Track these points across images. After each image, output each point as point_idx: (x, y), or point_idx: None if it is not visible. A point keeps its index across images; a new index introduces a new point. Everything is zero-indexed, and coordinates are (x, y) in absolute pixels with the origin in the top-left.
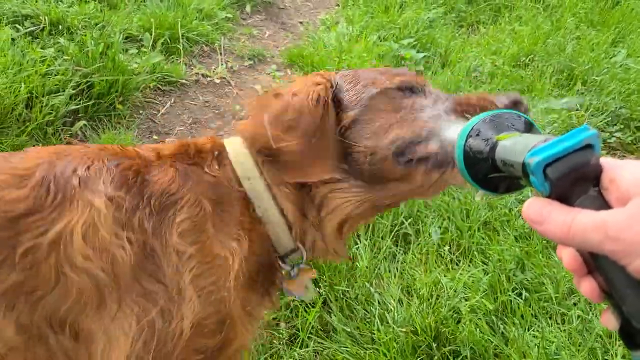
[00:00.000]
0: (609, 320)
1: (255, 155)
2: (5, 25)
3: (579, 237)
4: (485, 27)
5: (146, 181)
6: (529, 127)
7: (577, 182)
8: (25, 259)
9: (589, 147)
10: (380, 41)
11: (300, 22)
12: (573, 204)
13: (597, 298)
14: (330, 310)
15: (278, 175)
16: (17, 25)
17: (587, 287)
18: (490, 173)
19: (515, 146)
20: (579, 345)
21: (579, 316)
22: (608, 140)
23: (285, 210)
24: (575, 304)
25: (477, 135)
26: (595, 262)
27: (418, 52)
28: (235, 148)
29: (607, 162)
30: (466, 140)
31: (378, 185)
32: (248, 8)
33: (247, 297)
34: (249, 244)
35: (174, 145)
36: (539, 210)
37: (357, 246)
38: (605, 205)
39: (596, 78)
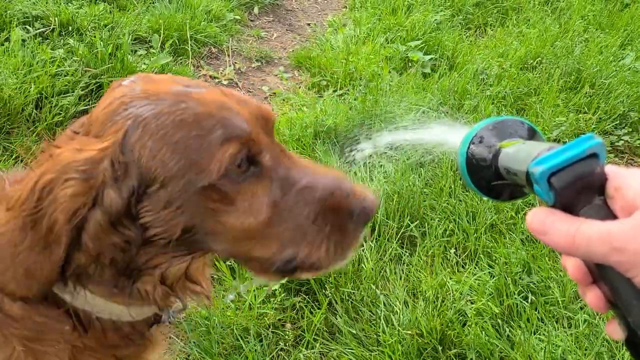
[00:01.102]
0: (614, 331)
1: None
2: (16, 26)
3: (584, 248)
4: (492, 30)
5: None
6: (532, 134)
7: (581, 191)
8: None
9: (593, 156)
10: (388, 43)
11: (308, 24)
12: (578, 213)
13: (602, 308)
14: (335, 311)
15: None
16: (27, 27)
17: (592, 297)
18: (494, 180)
19: (518, 154)
20: (586, 350)
21: (585, 320)
22: (616, 144)
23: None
24: (581, 308)
25: (480, 142)
26: (600, 272)
27: (425, 54)
28: None
29: (612, 170)
30: (469, 147)
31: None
32: (256, 10)
33: None
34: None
35: None
36: (542, 220)
37: (362, 248)
38: (610, 214)
39: (604, 81)
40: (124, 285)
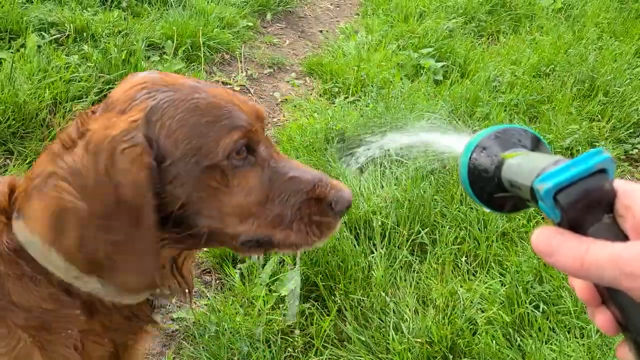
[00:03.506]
0: (624, 355)
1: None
2: (32, 32)
3: (593, 272)
4: (505, 37)
5: None
6: (537, 144)
7: (590, 209)
8: None
9: (602, 171)
10: (400, 50)
11: (320, 31)
12: (586, 233)
13: (612, 331)
14: (345, 318)
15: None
16: (43, 33)
17: (602, 319)
18: (496, 192)
19: (522, 167)
20: None
21: (598, 330)
22: (630, 152)
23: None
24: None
25: (482, 151)
26: (610, 295)
27: (437, 61)
28: (38, 247)
29: (622, 186)
30: (470, 157)
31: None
32: (269, 17)
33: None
34: (95, 346)
35: None
36: (549, 240)
37: (372, 255)
38: (620, 234)
39: (618, 89)
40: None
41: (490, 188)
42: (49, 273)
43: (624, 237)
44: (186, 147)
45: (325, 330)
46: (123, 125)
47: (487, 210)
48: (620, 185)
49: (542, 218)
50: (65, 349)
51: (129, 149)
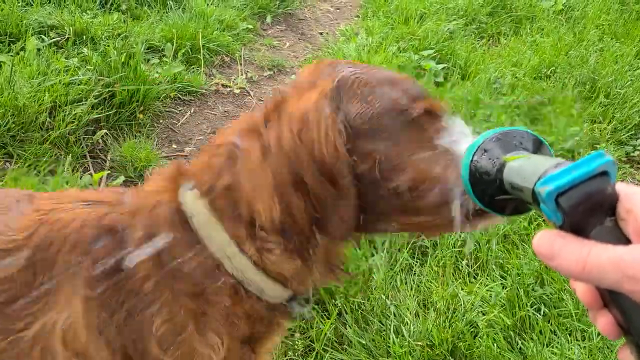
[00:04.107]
0: (626, 358)
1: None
2: (31, 35)
3: (595, 275)
4: (506, 39)
5: (123, 276)
6: (538, 146)
7: (591, 212)
8: (13, 347)
9: (604, 174)
10: (400, 52)
11: (320, 33)
12: (588, 236)
13: (614, 334)
14: (345, 321)
15: (262, 244)
16: (42, 36)
17: (604, 322)
18: (497, 194)
19: (524, 170)
20: None
21: (599, 333)
22: (631, 154)
23: (279, 274)
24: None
25: (484, 154)
26: (612, 298)
27: (438, 63)
28: (205, 218)
29: (624, 189)
30: (472, 159)
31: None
32: (268, 19)
33: (246, 355)
34: (236, 328)
35: (144, 222)
36: (550, 243)
37: (373, 258)
38: (622, 237)
39: (619, 90)
40: (301, 246)
41: (492, 190)
42: (205, 247)
43: (626, 241)
44: (380, 107)
45: (325, 334)
46: (315, 96)
47: (488, 212)
48: (622, 188)
49: (543, 220)
50: (216, 323)
51: (321, 116)
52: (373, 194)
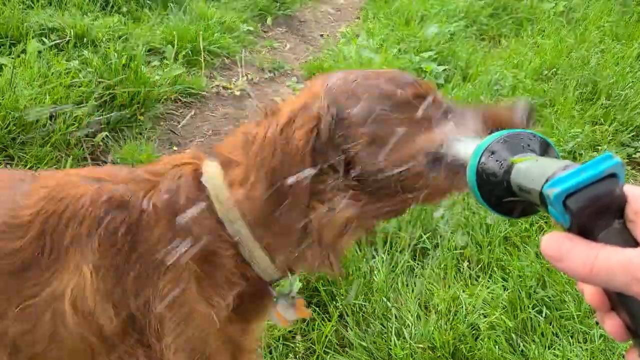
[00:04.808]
0: None
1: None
2: (32, 38)
3: (603, 277)
4: (507, 41)
5: (134, 243)
6: (545, 148)
7: (599, 214)
8: (24, 313)
9: (612, 176)
10: (401, 54)
11: (321, 35)
12: (596, 238)
13: (622, 337)
14: (346, 324)
15: (262, 221)
16: (43, 38)
17: (612, 324)
18: (505, 196)
19: (532, 172)
20: None
21: (601, 335)
22: (633, 156)
23: (272, 252)
24: (597, 323)
25: (491, 156)
26: (620, 300)
27: (438, 65)
28: (218, 191)
29: (632, 191)
30: (479, 161)
31: (386, 197)
32: (269, 21)
33: (236, 327)
34: (234, 291)
35: (165, 185)
36: (558, 245)
37: (374, 260)
38: (631, 240)
39: (621, 92)
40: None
41: (499, 192)
42: (214, 211)
43: (635, 243)
44: (372, 93)
45: (326, 336)
46: (303, 100)
47: (496, 215)
48: (631, 190)
49: (545, 222)
50: (219, 284)
51: (305, 115)
52: (371, 176)
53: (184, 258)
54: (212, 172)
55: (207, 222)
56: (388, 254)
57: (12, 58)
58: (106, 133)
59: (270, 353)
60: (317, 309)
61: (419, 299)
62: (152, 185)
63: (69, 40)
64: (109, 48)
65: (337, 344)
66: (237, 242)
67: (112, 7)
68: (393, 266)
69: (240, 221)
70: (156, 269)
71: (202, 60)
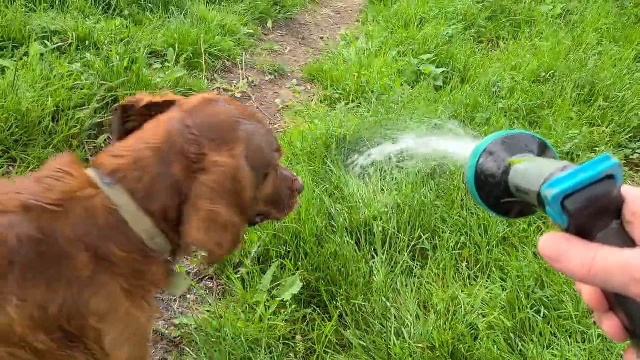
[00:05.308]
0: None
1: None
2: (35, 40)
3: (601, 277)
4: (505, 43)
5: (60, 266)
6: (544, 149)
7: (597, 215)
8: None
9: (610, 177)
10: (400, 56)
11: (321, 38)
12: (593, 239)
13: (620, 337)
14: (346, 324)
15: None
16: (45, 41)
17: (610, 325)
18: (503, 197)
19: (530, 172)
20: None
21: (599, 335)
22: (631, 157)
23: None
24: (595, 323)
25: (490, 156)
26: (618, 300)
27: (437, 67)
28: (124, 202)
29: (630, 192)
30: (477, 161)
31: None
32: (270, 24)
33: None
34: (158, 289)
35: (76, 201)
36: (556, 246)
37: (373, 260)
38: (629, 240)
39: (618, 94)
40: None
41: (497, 193)
42: (129, 229)
43: (632, 244)
44: (263, 160)
45: (326, 336)
46: (233, 156)
47: (494, 215)
48: (629, 191)
49: (543, 223)
50: (145, 289)
51: (245, 171)
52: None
53: (110, 278)
54: (121, 201)
55: (128, 244)
56: (387, 255)
57: (15, 61)
58: (108, 135)
59: (271, 353)
60: (318, 309)
61: (418, 299)
62: (58, 216)
63: (71, 43)
64: (111, 51)
65: (337, 343)
66: (152, 248)
67: (114, 10)
68: (392, 267)
69: (155, 230)
70: (87, 289)
71: (203, 63)
